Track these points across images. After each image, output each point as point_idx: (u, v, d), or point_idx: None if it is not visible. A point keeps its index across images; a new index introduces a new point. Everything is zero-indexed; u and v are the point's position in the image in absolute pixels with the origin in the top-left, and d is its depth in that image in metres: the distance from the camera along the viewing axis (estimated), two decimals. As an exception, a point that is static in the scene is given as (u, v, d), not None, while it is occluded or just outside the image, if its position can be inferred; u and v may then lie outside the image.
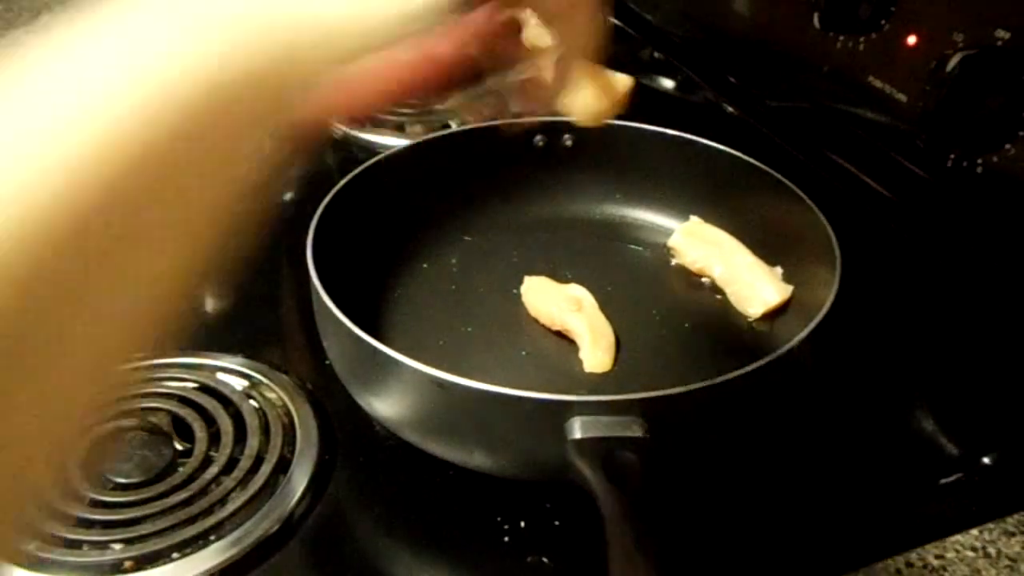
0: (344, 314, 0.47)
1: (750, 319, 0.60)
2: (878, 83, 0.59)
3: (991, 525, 0.47)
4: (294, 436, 0.52)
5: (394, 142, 0.78)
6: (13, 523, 0.18)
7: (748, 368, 0.44)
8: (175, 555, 0.45)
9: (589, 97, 0.42)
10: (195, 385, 0.56)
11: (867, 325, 0.59)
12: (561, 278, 0.62)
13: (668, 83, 0.89)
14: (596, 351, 0.56)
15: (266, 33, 0.20)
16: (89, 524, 0.47)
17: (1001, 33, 0.49)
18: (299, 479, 0.50)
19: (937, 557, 0.45)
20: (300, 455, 0.51)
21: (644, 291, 0.63)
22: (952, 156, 0.53)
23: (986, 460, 0.52)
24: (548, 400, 0.42)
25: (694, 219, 0.68)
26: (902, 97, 0.57)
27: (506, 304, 0.61)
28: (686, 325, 0.60)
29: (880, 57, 0.59)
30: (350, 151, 0.79)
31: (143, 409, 0.53)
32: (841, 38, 0.62)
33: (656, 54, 0.92)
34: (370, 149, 0.78)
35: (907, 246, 0.61)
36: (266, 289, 0.65)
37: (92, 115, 0.16)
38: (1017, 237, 0.52)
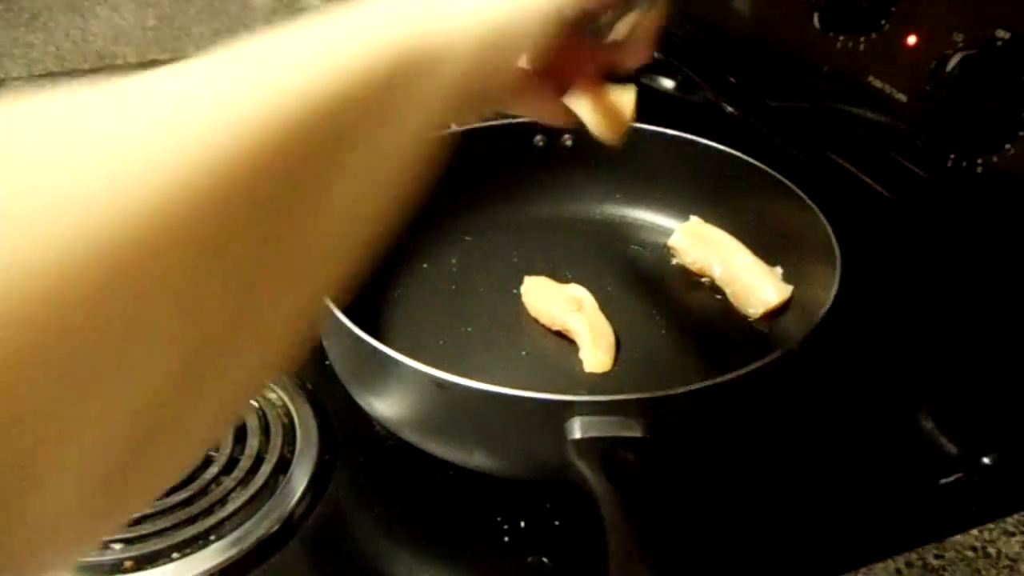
0: (344, 314, 0.47)
1: (750, 319, 0.60)
2: (878, 83, 0.59)
3: (991, 525, 0.47)
4: (294, 436, 0.52)
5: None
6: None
7: (748, 368, 0.44)
8: (175, 555, 0.45)
9: (607, 117, 0.45)
10: (195, 385, 0.55)
11: (867, 325, 0.59)
12: (561, 278, 0.62)
13: (668, 83, 0.89)
14: (596, 351, 0.56)
15: (427, 27, 0.23)
16: (89, 524, 0.47)
17: (1001, 33, 0.49)
18: (299, 479, 0.50)
19: (937, 557, 0.45)
20: (300, 455, 0.51)
21: (644, 291, 0.63)
22: (952, 156, 0.53)
23: (986, 460, 0.52)
24: (548, 400, 0.42)
25: (694, 219, 0.68)
26: (902, 97, 0.57)
27: (506, 304, 0.61)
28: (686, 325, 0.60)
29: (880, 57, 0.59)
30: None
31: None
32: (841, 38, 0.62)
33: (656, 54, 0.92)
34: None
35: (907, 246, 0.61)
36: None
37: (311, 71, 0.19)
38: (1017, 237, 0.52)
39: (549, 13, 0.29)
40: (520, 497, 0.49)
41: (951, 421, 0.55)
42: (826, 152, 0.67)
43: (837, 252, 0.54)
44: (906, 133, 0.58)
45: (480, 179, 0.67)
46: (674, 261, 0.66)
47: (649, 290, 0.64)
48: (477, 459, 0.48)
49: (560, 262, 0.65)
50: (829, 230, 0.56)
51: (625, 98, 0.47)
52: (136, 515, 0.47)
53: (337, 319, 0.47)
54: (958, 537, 0.46)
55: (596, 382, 0.55)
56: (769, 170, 0.63)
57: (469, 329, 0.59)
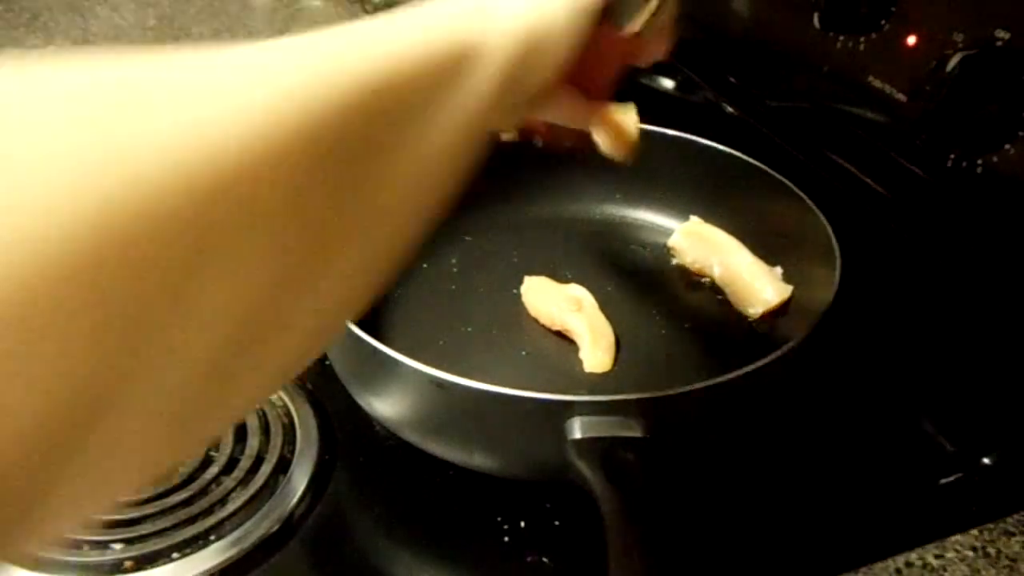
0: (344, 314, 0.47)
1: (750, 319, 0.60)
2: (878, 83, 0.59)
3: (991, 525, 0.47)
4: (294, 436, 0.52)
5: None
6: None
7: (748, 368, 0.44)
8: (175, 555, 0.45)
9: (613, 137, 0.47)
10: (195, 385, 0.55)
11: (867, 325, 0.59)
12: (561, 278, 0.62)
13: (668, 83, 0.89)
14: (596, 351, 0.56)
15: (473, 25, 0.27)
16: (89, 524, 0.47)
17: (1001, 33, 0.49)
18: (299, 479, 0.50)
19: (937, 557, 0.45)
20: (300, 455, 0.51)
21: (644, 291, 0.63)
22: (952, 156, 0.53)
23: (986, 460, 0.52)
24: (548, 400, 0.42)
25: (694, 219, 0.68)
26: (902, 97, 0.57)
27: (506, 304, 0.61)
28: (686, 325, 0.60)
29: (880, 57, 0.59)
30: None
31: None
32: (841, 38, 0.62)
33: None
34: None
35: (907, 246, 0.61)
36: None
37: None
38: (1017, 237, 0.52)
39: (580, 6, 0.32)
40: (520, 497, 0.49)
41: (951, 421, 0.55)
42: (826, 152, 0.67)
43: (837, 252, 0.54)
44: (906, 133, 0.58)
45: (480, 179, 0.67)
46: (674, 261, 0.66)
47: (649, 290, 0.64)
48: (477, 459, 0.48)
49: (560, 262, 0.65)
50: (829, 230, 0.56)
51: (628, 117, 0.48)
52: (136, 515, 0.47)
53: (337, 319, 0.47)
54: (958, 537, 0.46)
55: (596, 382, 0.55)
56: (769, 170, 0.63)
57: (469, 329, 0.59)
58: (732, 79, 0.80)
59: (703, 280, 0.64)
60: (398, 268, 0.25)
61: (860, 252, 0.55)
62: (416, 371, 0.44)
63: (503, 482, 0.49)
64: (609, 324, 0.58)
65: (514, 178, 0.69)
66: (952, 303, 0.58)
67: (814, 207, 0.58)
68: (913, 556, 0.45)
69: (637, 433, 0.42)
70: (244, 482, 0.49)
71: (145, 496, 0.48)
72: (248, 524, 0.47)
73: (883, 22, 0.58)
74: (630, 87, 0.46)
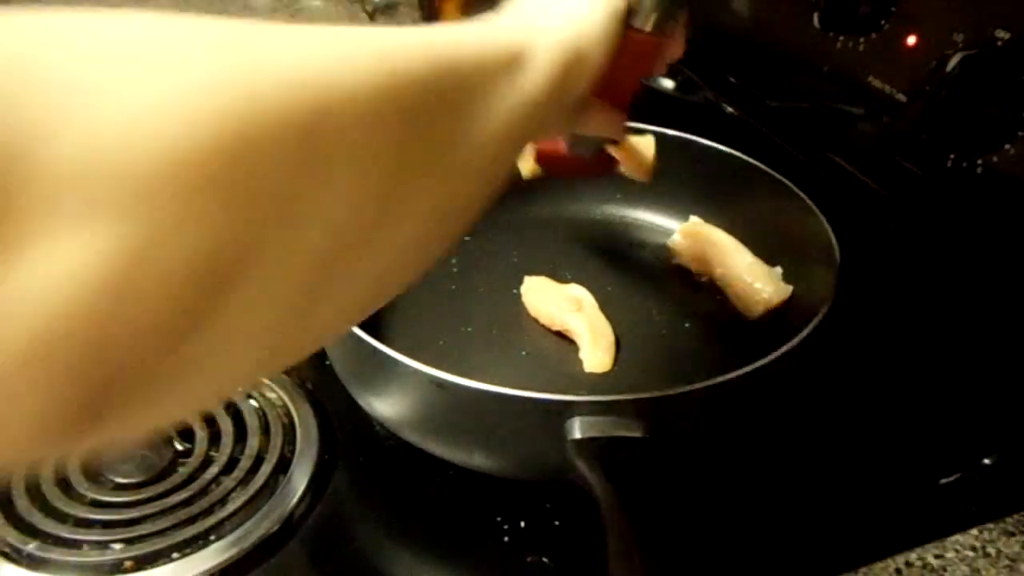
0: (344, 314, 0.47)
1: (750, 319, 0.60)
2: (878, 83, 0.59)
3: (991, 525, 0.47)
4: (294, 436, 0.52)
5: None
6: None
7: (748, 368, 0.44)
8: (175, 555, 0.45)
9: (634, 162, 0.55)
10: (195, 385, 0.55)
11: (867, 325, 0.59)
12: (561, 278, 0.62)
13: (668, 83, 0.89)
14: (596, 351, 0.56)
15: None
16: (89, 524, 0.47)
17: (1001, 33, 0.49)
18: (299, 479, 0.50)
19: (937, 557, 0.45)
20: (300, 455, 0.51)
21: (644, 291, 0.63)
22: (952, 156, 0.53)
23: (986, 460, 0.52)
24: (548, 400, 0.42)
25: (694, 219, 0.68)
26: (902, 97, 0.57)
27: (506, 304, 0.61)
28: (686, 325, 0.60)
29: (880, 57, 0.59)
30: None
31: (143, 409, 0.53)
32: (841, 38, 0.62)
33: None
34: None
35: (907, 246, 0.61)
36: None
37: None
38: (1017, 237, 0.52)
39: (612, 15, 0.36)
40: (520, 497, 0.49)
41: (951, 421, 0.55)
42: (826, 152, 0.67)
43: (837, 252, 0.54)
44: (906, 133, 0.58)
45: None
46: (674, 261, 0.66)
47: (649, 290, 0.64)
48: (477, 459, 0.48)
49: (560, 262, 0.65)
50: (829, 230, 0.56)
51: (646, 143, 0.57)
52: (136, 515, 0.47)
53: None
54: (958, 537, 0.46)
55: (596, 382, 0.55)
56: (769, 170, 0.63)
57: (469, 329, 0.59)
58: (732, 79, 0.80)
59: (703, 280, 0.64)
60: (459, 234, 0.29)
61: (860, 252, 0.55)
62: (416, 371, 0.44)
63: (503, 482, 0.49)
64: (609, 324, 0.58)
65: (514, 178, 0.69)
66: (952, 303, 0.58)
67: (814, 207, 0.58)
68: (913, 556, 0.45)
69: (637, 433, 0.42)
70: (244, 482, 0.49)
71: (145, 496, 0.48)
72: (248, 524, 0.47)
73: (883, 22, 0.58)
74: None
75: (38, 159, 0.14)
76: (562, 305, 0.58)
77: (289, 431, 0.53)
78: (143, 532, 0.46)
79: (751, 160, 0.64)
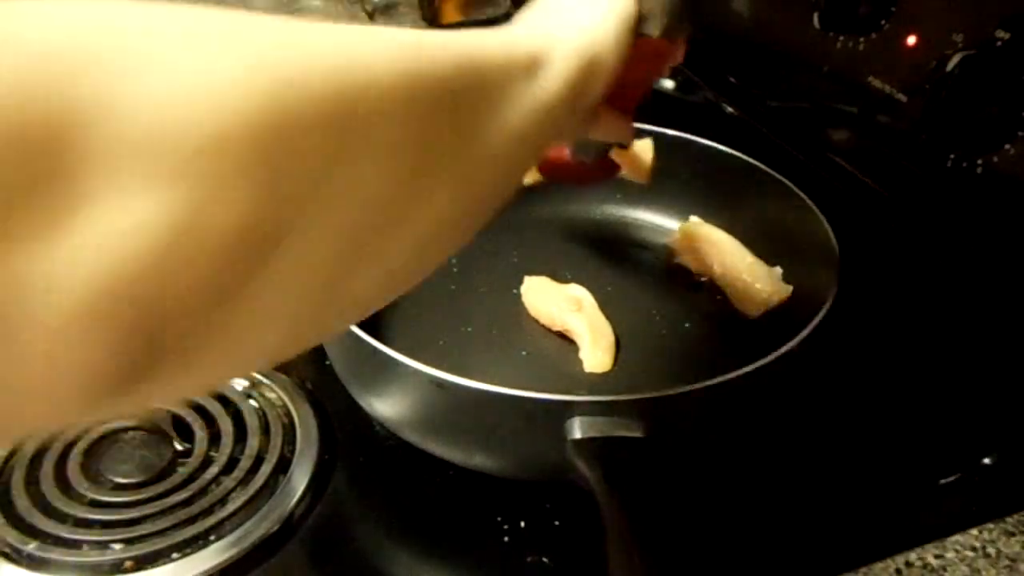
0: (344, 314, 0.47)
1: (750, 319, 0.60)
2: (878, 83, 0.59)
3: (991, 525, 0.47)
4: (294, 436, 0.52)
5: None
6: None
7: (748, 368, 0.44)
8: (175, 555, 0.45)
9: (634, 165, 0.58)
10: (195, 385, 0.55)
11: (867, 325, 0.59)
12: (561, 278, 0.62)
13: (668, 83, 0.89)
14: (596, 351, 0.56)
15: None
16: (89, 524, 0.47)
17: (1001, 33, 0.49)
18: (299, 479, 0.50)
19: (937, 557, 0.45)
20: (300, 455, 0.51)
21: (644, 291, 0.63)
22: (952, 156, 0.53)
23: (986, 460, 0.52)
24: (548, 400, 0.42)
25: (694, 219, 0.68)
26: (902, 97, 0.57)
27: (506, 304, 0.61)
28: (686, 325, 0.60)
29: (880, 57, 0.59)
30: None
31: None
32: (841, 38, 0.62)
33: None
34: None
35: (907, 246, 0.61)
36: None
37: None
38: (1017, 237, 0.52)
39: (624, 22, 0.38)
40: (520, 497, 0.49)
41: (951, 421, 0.55)
42: (826, 152, 0.67)
43: (837, 252, 0.54)
44: (906, 133, 0.58)
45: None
46: (674, 261, 0.66)
47: (649, 290, 0.64)
48: (477, 459, 0.48)
49: (560, 262, 0.65)
50: (829, 230, 0.56)
51: (643, 146, 0.60)
52: (136, 515, 0.47)
53: (337, 319, 0.47)
54: (958, 537, 0.46)
55: (596, 382, 0.55)
56: (769, 170, 0.63)
57: (469, 329, 0.59)
58: (732, 79, 0.80)
59: (703, 280, 0.64)
60: (474, 229, 0.30)
61: (860, 252, 0.55)
62: (416, 371, 0.44)
63: (503, 482, 0.49)
64: (609, 324, 0.58)
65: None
66: (952, 303, 0.58)
67: (814, 207, 0.58)
68: (913, 556, 0.45)
69: (637, 433, 0.42)
70: (244, 482, 0.49)
71: (145, 496, 0.48)
72: (248, 524, 0.47)
73: (883, 22, 0.58)
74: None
75: (101, 127, 0.15)
76: (562, 305, 0.58)
77: (289, 431, 0.53)
78: (143, 532, 0.46)
79: (751, 160, 0.64)
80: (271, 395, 0.55)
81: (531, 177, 0.64)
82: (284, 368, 0.57)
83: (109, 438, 0.51)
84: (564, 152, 0.52)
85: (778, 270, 0.61)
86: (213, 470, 0.50)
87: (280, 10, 1.04)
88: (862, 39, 0.60)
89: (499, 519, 0.48)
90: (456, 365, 0.44)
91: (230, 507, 0.47)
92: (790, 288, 0.60)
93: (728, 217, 0.66)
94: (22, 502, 0.47)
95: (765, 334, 0.58)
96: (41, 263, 0.15)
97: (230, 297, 0.18)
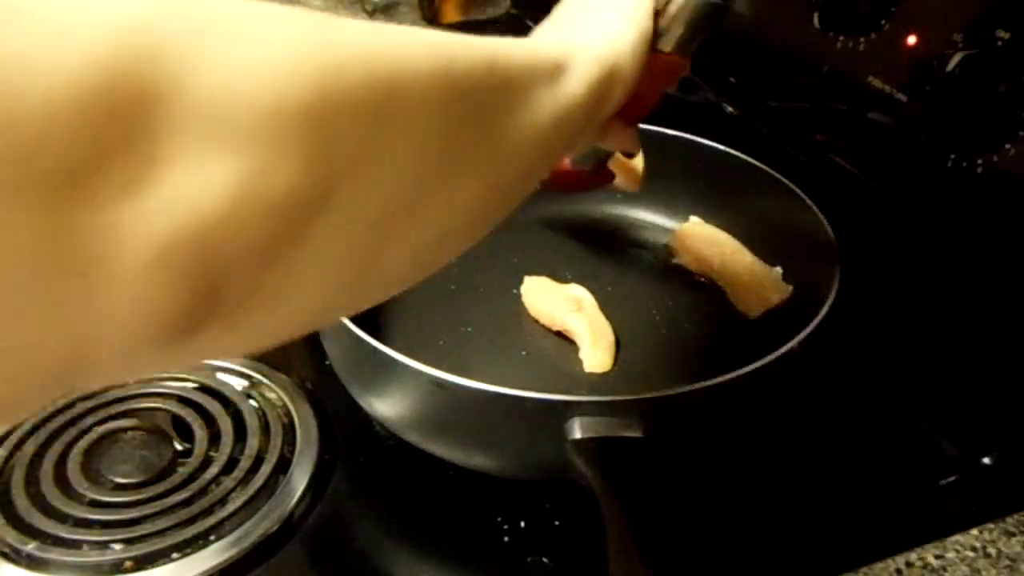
0: (344, 314, 0.47)
1: (750, 319, 0.60)
2: (878, 83, 0.59)
3: (991, 525, 0.47)
4: (294, 436, 0.52)
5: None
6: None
7: (748, 368, 0.44)
8: (175, 555, 0.45)
9: (626, 174, 0.59)
10: (195, 385, 0.56)
11: (867, 325, 0.59)
12: (561, 278, 0.62)
13: (668, 83, 0.89)
14: (596, 351, 0.56)
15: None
16: (89, 524, 0.47)
17: (1001, 33, 0.49)
18: (299, 479, 0.50)
19: (937, 557, 0.45)
20: (300, 455, 0.51)
21: (644, 291, 0.63)
22: (952, 156, 0.53)
23: (986, 460, 0.52)
24: (548, 400, 0.42)
25: (694, 219, 0.68)
26: (902, 97, 0.57)
27: (506, 304, 0.61)
28: (686, 325, 0.60)
29: (880, 57, 0.59)
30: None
31: (143, 409, 0.53)
32: (841, 38, 0.62)
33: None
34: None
35: (907, 246, 0.61)
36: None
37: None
38: (1017, 237, 0.52)
39: (642, 36, 0.39)
40: (520, 497, 0.49)
41: (951, 421, 0.55)
42: (826, 152, 0.67)
43: (837, 252, 0.54)
44: (906, 133, 0.58)
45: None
46: (674, 261, 0.66)
47: (649, 290, 0.64)
48: (477, 459, 0.48)
49: (560, 262, 0.65)
50: (829, 230, 0.56)
51: (636, 157, 0.60)
52: (136, 515, 0.47)
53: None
54: (958, 537, 0.46)
55: (596, 382, 0.55)
56: (769, 170, 0.63)
57: (469, 329, 0.59)
58: (732, 79, 0.80)
59: (703, 280, 0.64)
60: (495, 220, 0.32)
61: (860, 252, 0.55)
62: (416, 371, 0.44)
63: (503, 482, 0.49)
64: (609, 324, 0.58)
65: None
66: (952, 303, 0.58)
67: (814, 207, 0.58)
68: (913, 556, 0.45)
69: (637, 433, 0.42)
70: (244, 482, 0.49)
71: (145, 496, 0.48)
72: (248, 524, 0.47)
73: (883, 22, 0.58)
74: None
75: (179, 97, 0.17)
76: (562, 305, 0.58)
77: (289, 431, 0.53)
78: (143, 532, 0.46)
79: (751, 160, 0.64)
80: (271, 395, 0.55)
81: None
82: (284, 368, 0.57)
83: (109, 438, 0.52)
84: (564, 162, 0.53)
85: (778, 270, 0.61)
86: (213, 470, 0.50)
87: (280, 10, 1.04)
88: (862, 39, 0.60)
89: (499, 519, 0.48)
90: (456, 365, 0.44)
91: (230, 507, 0.47)
92: (790, 288, 0.60)
93: (728, 217, 0.66)
94: (22, 502, 0.47)
95: (765, 334, 0.58)
96: (126, 215, 0.16)
97: (279, 257, 0.20)
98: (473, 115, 0.27)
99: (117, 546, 0.46)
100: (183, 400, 0.54)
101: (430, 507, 0.49)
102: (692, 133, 0.68)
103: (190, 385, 0.56)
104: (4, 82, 0.14)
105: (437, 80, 0.25)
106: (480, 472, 0.48)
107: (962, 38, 0.52)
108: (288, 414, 0.54)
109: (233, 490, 0.49)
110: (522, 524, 0.48)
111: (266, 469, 0.50)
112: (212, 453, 0.51)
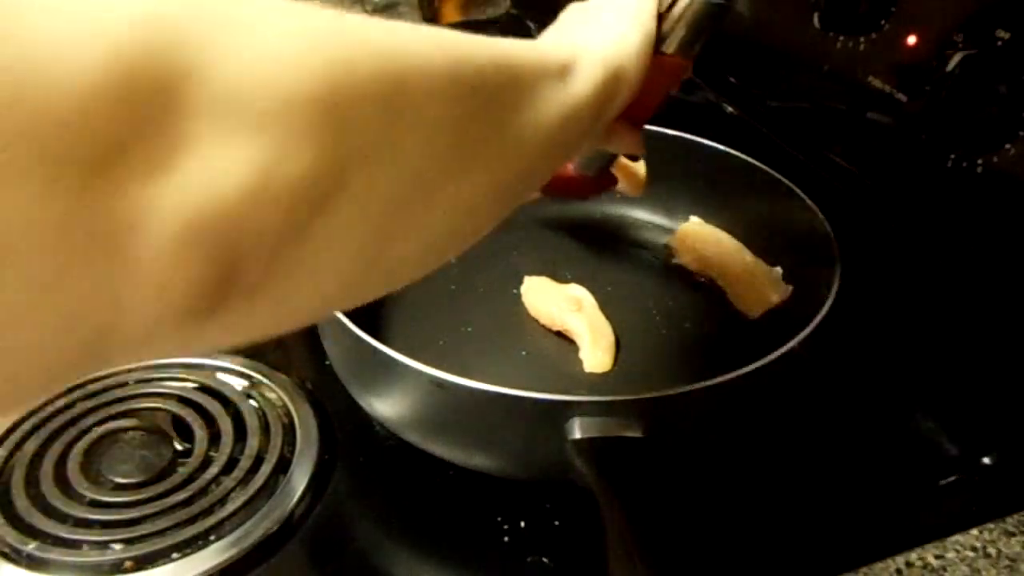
0: (344, 314, 0.47)
1: (750, 319, 0.60)
2: (878, 83, 0.59)
3: (991, 525, 0.47)
4: (294, 436, 0.52)
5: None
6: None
7: (748, 368, 0.44)
8: (175, 555, 0.45)
9: (628, 179, 0.60)
10: (195, 385, 0.56)
11: (867, 325, 0.59)
12: (561, 278, 0.62)
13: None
14: (596, 351, 0.56)
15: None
16: (89, 524, 0.47)
17: (1001, 33, 0.49)
18: (299, 479, 0.50)
19: (937, 557, 0.45)
20: (300, 455, 0.51)
21: (644, 291, 0.63)
22: (952, 156, 0.53)
23: (986, 460, 0.52)
24: (548, 400, 0.42)
25: (694, 219, 0.68)
26: (902, 97, 0.57)
27: (506, 304, 0.61)
28: (686, 325, 0.60)
29: (880, 57, 0.59)
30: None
31: (143, 409, 0.53)
32: (841, 38, 0.62)
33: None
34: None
35: (907, 246, 0.61)
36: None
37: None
38: (1017, 237, 0.52)
39: (646, 38, 0.40)
40: (520, 497, 0.49)
41: (951, 421, 0.55)
42: (826, 152, 0.67)
43: (837, 252, 0.54)
44: (906, 133, 0.57)
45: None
46: (674, 261, 0.66)
47: (649, 290, 0.64)
48: (477, 459, 0.48)
49: (560, 262, 0.65)
50: (829, 230, 0.56)
51: (636, 163, 0.61)
52: (136, 515, 0.47)
53: (337, 319, 0.47)
54: (958, 537, 0.46)
55: (596, 382, 0.55)
56: (769, 170, 0.63)
57: (469, 329, 0.59)
58: (732, 79, 0.80)
59: (703, 280, 0.64)
60: (500, 215, 0.32)
61: (860, 252, 0.55)
62: (416, 371, 0.44)
63: (503, 482, 0.49)
64: (609, 324, 0.58)
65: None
66: (952, 303, 0.58)
67: (814, 207, 0.58)
68: (913, 556, 0.45)
69: (637, 433, 0.42)
70: (244, 482, 0.49)
71: (145, 496, 0.48)
72: (248, 524, 0.47)
73: (883, 22, 0.58)
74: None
75: (203, 83, 0.18)
76: (562, 305, 0.58)
77: (289, 431, 0.53)
78: (143, 532, 0.46)
79: (751, 160, 0.64)
80: (271, 395, 0.55)
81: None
82: (284, 368, 0.57)
83: (109, 438, 0.52)
84: (568, 167, 0.54)
85: (778, 270, 0.61)
86: (213, 470, 0.50)
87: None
88: (862, 39, 0.60)
89: (499, 519, 0.48)
90: (456, 365, 0.44)
91: (230, 507, 0.47)
92: (790, 288, 0.60)
93: (728, 217, 0.66)
94: (22, 502, 0.47)
95: (765, 334, 0.58)
96: (153, 194, 0.17)
97: (295, 240, 0.21)
98: (481, 111, 0.28)
99: (117, 546, 0.46)
100: (183, 400, 0.54)
101: (430, 507, 0.49)
102: (692, 133, 0.68)
103: (190, 385, 0.56)
104: (38, 67, 0.15)
105: (446, 76, 0.25)
106: (480, 472, 0.48)
107: (962, 38, 0.52)
108: (288, 414, 0.54)
109: (233, 490, 0.49)
110: (522, 524, 0.48)
111: (266, 469, 0.50)
112: (212, 453, 0.51)
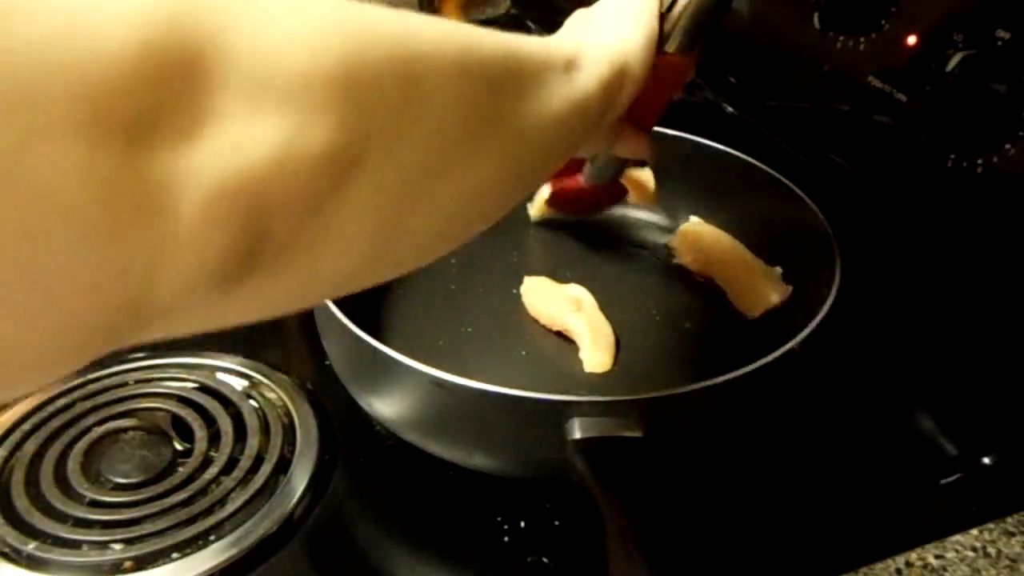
0: (344, 314, 0.47)
1: (750, 319, 0.60)
2: (878, 83, 0.59)
3: (991, 525, 0.47)
4: (294, 436, 0.52)
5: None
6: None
7: (748, 368, 0.44)
8: (175, 555, 0.45)
9: (637, 189, 0.62)
10: (195, 385, 0.56)
11: (867, 325, 0.59)
12: (561, 278, 0.62)
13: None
14: (596, 351, 0.56)
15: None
16: (89, 524, 0.47)
17: (1001, 33, 0.49)
18: (299, 479, 0.50)
19: (937, 557, 0.45)
20: (300, 455, 0.51)
21: (644, 291, 0.63)
22: (952, 156, 0.53)
23: (986, 460, 0.52)
24: (548, 400, 0.42)
25: (694, 219, 0.68)
26: (902, 97, 0.57)
27: (506, 304, 0.61)
28: (686, 325, 0.60)
29: (880, 57, 0.59)
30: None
31: (143, 409, 0.53)
32: (841, 38, 0.62)
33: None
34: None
35: (907, 246, 0.61)
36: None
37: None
38: (1017, 237, 0.52)
39: (650, 37, 0.41)
40: (520, 497, 0.49)
41: (951, 421, 0.55)
42: (826, 152, 0.67)
43: (837, 252, 0.54)
44: (906, 133, 0.57)
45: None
46: (674, 261, 0.66)
47: (649, 290, 0.64)
48: (477, 459, 0.48)
49: (560, 262, 0.65)
50: (829, 230, 0.56)
51: (645, 173, 0.64)
52: (136, 515, 0.47)
53: (337, 319, 0.47)
54: (958, 537, 0.46)
55: (596, 382, 0.55)
56: (769, 170, 0.63)
57: (469, 329, 0.59)
58: (732, 79, 0.80)
59: (703, 280, 0.64)
60: (507, 205, 0.33)
61: (860, 252, 0.55)
62: (416, 371, 0.44)
63: (503, 482, 0.49)
64: (609, 324, 0.58)
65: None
66: (952, 303, 0.58)
67: (814, 207, 0.58)
68: (913, 556, 0.45)
69: (637, 433, 0.42)
70: (244, 482, 0.49)
71: (145, 496, 0.48)
72: (248, 524, 0.47)
73: (883, 22, 0.58)
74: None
75: (231, 59, 0.19)
76: (562, 305, 0.58)
77: (289, 431, 0.53)
78: (143, 532, 0.46)
79: (751, 160, 0.64)
80: (271, 395, 0.55)
81: (538, 211, 0.66)
82: (284, 368, 0.57)
83: (109, 438, 0.52)
84: (578, 179, 0.54)
85: (778, 270, 0.61)
86: (213, 470, 0.50)
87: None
88: (862, 39, 0.60)
89: (499, 519, 0.48)
90: (456, 365, 0.44)
91: (230, 507, 0.47)
92: (790, 288, 0.60)
93: (728, 217, 0.66)
94: (22, 502, 0.47)
95: (765, 334, 0.58)
96: (186, 160, 0.18)
97: (318, 210, 0.22)
98: (488, 100, 0.28)
99: (117, 546, 0.46)
100: (183, 400, 0.54)
101: (430, 507, 0.49)
102: (692, 133, 0.68)
103: (190, 385, 0.56)
104: (87, 35, 0.16)
105: (455, 63, 0.26)
106: (480, 472, 0.48)
107: (962, 38, 0.52)
108: (288, 414, 0.54)
109: (233, 490, 0.49)
110: (522, 524, 0.48)
111: (266, 469, 0.50)
112: (212, 453, 0.51)
